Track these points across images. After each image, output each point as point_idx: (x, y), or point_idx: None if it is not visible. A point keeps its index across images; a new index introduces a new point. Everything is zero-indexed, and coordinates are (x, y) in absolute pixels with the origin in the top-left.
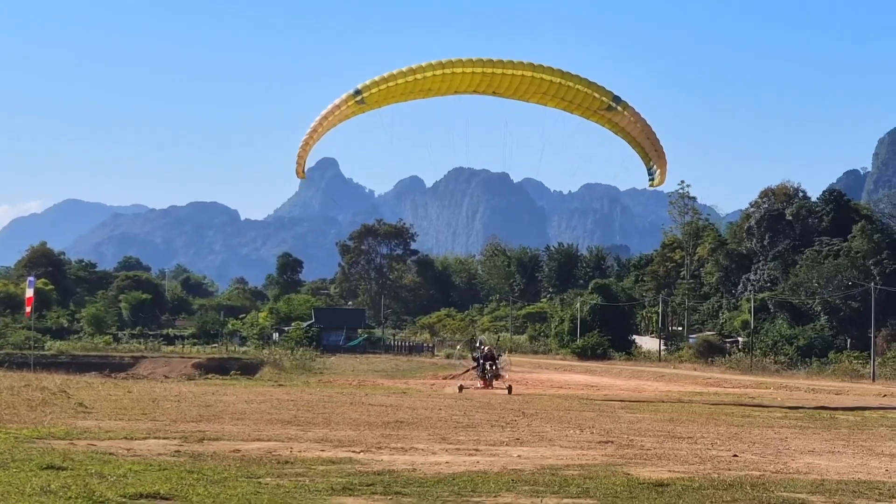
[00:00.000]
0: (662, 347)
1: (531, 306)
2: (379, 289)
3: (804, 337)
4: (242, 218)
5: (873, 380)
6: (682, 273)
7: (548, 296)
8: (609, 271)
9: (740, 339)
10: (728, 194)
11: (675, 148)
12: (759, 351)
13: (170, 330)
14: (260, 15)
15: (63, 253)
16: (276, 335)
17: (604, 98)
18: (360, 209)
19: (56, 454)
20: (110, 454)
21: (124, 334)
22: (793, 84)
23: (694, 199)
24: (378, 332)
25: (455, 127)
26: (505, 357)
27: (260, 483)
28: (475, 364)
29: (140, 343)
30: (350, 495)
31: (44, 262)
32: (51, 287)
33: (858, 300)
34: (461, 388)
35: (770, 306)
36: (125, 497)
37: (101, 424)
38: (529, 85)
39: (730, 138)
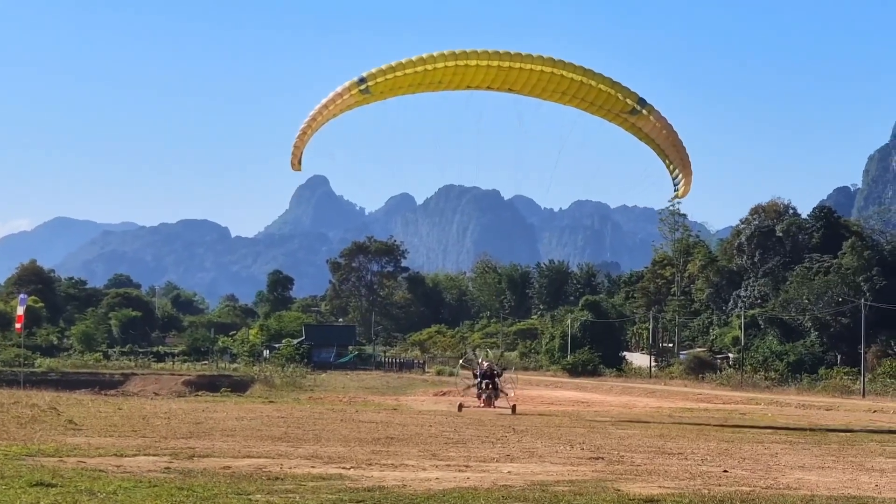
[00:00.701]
0: (653, 364)
1: (522, 323)
2: (369, 306)
3: (795, 353)
4: (233, 235)
5: (863, 396)
6: (672, 289)
7: (538, 312)
8: (600, 288)
9: (731, 355)
10: (718, 211)
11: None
12: (749, 367)
13: (160, 347)
14: (252, 32)
15: (53, 270)
16: (266, 352)
17: (628, 100)
18: (350, 226)
19: (46, 471)
20: (100, 471)
21: (114, 351)
22: (783, 101)
23: (684, 216)
24: (369, 348)
25: (447, 142)
26: (510, 374)
27: (250, 499)
28: (476, 381)
29: (130, 360)
30: None
31: (34, 279)
32: (41, 304)
33: (849, 316)
34: (461, 406)
35: (760, 322)
36: None
37: (90, 441)
38: (548, 82)
39: (720, 155)
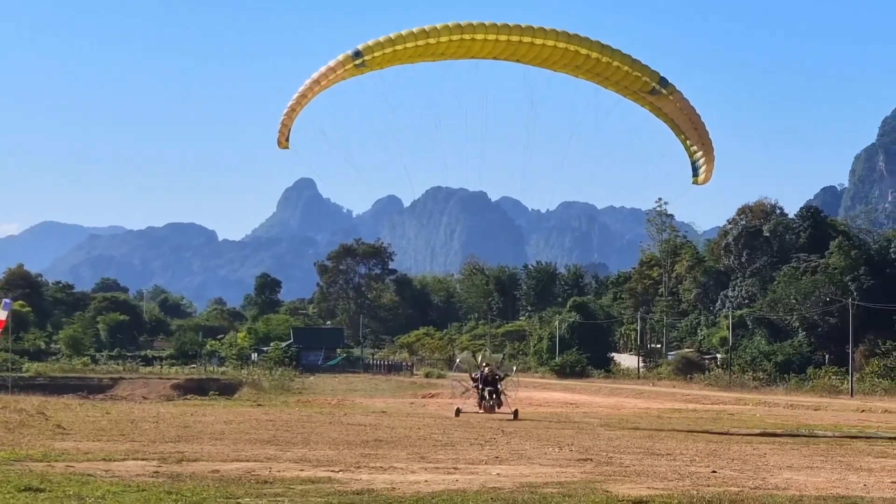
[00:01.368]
0: (641, 365)
1: (510, 324)
2: (357, 308)
3: (782, 353)
4: (220, 238)
5: (851, 395)
6: (660, 290)
7: (526, 314)
8: (587, 289)
9: (719, 355)
10: (705, 211)
11: (652, 165)
12: (737, 367)
13: (148, 351)
14: (239, 34)
15: (40, 275)
16: (254, 355)
17: (647, 79)
18: (338, 229)
19: (34, 476)
20: (88, 476)
21: (102, 356)
22: (770, 101)
23: (671, 216)
24: (357, 351)
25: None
26: (512, 377)
27: (239, 503)
28: (475, 385)
29: (118, 364)
30: None
31: (21, 284)
32: (28, 309)
33: (836, 316)
34: (458, 411)
35: (748, 323)
36: None
37: (79, 446)
38: (561, 57)
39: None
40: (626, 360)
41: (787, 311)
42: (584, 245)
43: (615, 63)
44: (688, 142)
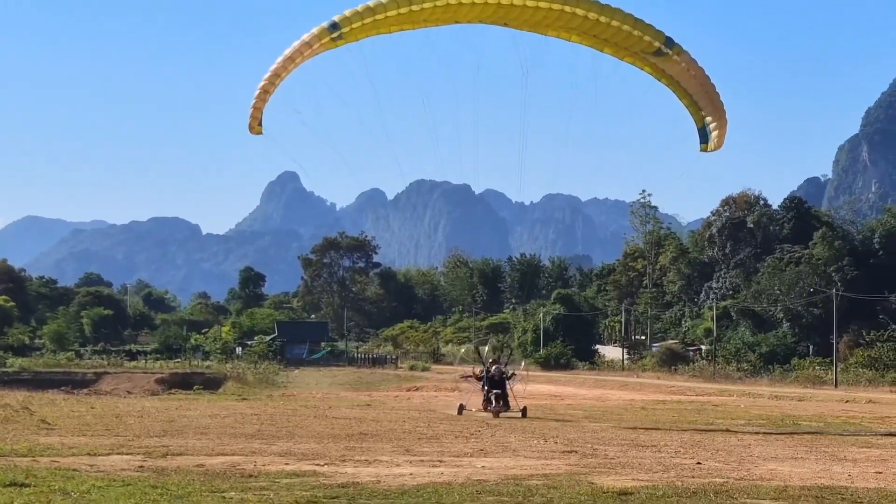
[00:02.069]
0: (626, 356)
1: (494, 317)
2: (342, 301)
3: (767, 344)
4: (204, 232)
5: (836, 386)
6: (644, 282)
7: (510, 306)
8: (571, 281)
9: (703, 347)
10: (689, 203)
11: (635, 157)
12: (721, 359)
13: (132, 345)
14: (219, 27)
15: (24, 270)
16: (239, 349)
17: (652, 40)
18: (321, 222)
19: (19, 471)
20: (73, 470)
21: (86, 350)
22: (753, 92)
23: (655, 208)
24: (341, 344)
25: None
26: (521, 372)
27: (224, 497)
28: (481, 385)
29: (102, 359)
30: None
31: (4, 279)
32: (12, 304)
33: (820, 307)
34: (461, 408)
35: (732, 314)
36: None
37: (64, 441)
38: (556, 18)
39: (690, 146)
40: (611, 352)
41: (771, 302)
42: (569, 237)
43: (615, 23)
44: (695, 107)
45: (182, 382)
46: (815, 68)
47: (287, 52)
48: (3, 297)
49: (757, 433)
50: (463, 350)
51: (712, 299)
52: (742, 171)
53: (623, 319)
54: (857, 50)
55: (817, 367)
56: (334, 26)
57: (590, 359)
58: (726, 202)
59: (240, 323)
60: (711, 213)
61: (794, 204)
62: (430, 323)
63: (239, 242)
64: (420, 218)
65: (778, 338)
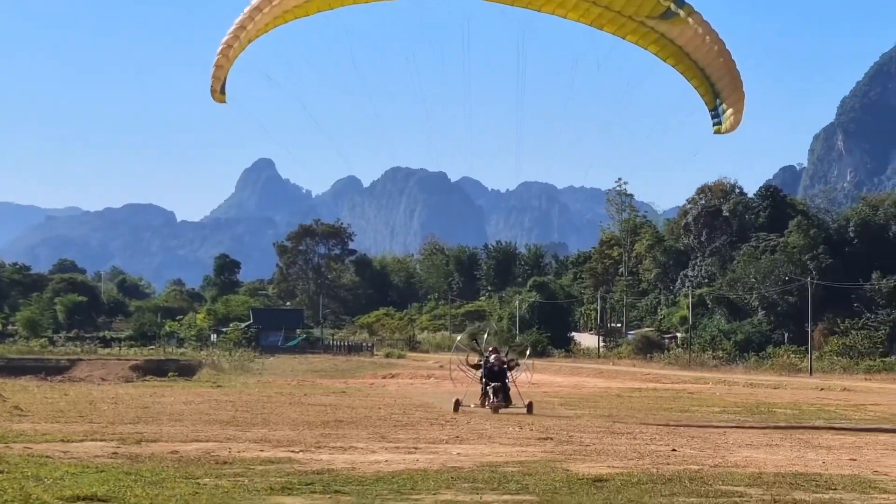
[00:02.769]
0: (601, 344)
1: (470, 305)
2: (317, 289)
3: (742, 332)
4: (179, 219)
5: (811, 374)
6: (620, 270)
7: (486, 294)
8: (547, 269)
9: (679, 334)
10: (665, 191)
11: (611, 144)
12: (697, 346)
13: (106, 332)
14: (199, 12)
15: None
16: (214, 336)
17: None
18: (297, 209)
19: None
20: (47, 457)
21: (60, 337)
22: None
23: (631, 196)
24: (317, 331)
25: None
26: (526, 361)
27: (198, 484)
28: (476, 373)
29: (76, 346)
30: (289, 495)
31: None
32: None
33: (795, 295)
34: (458, 404)
35: (708, 302)
36: (62, 500)
37: (37, 427)
38: None
39: (665, 134)
40: (587, 340)
41: (746, 290)
42: (544, 225)
43: None
44: (707, 81)
45: (156, 369)
46: (791, 57)
47: (253, 1)
48: None
49: (731, 425)
50: (459, 338)
51: (688, 287)
52: (718, 160)
53: (599, 307)
54: (832, 39)
55: (792, 355)
56: None
57: (566, 346)
58: (702, 190)
59: (215, 310)
60: (687, 201)
61: (770, 192)
62: (405, 310)
63: (214, 229)
64: (396, 205)
65: (753, 326)
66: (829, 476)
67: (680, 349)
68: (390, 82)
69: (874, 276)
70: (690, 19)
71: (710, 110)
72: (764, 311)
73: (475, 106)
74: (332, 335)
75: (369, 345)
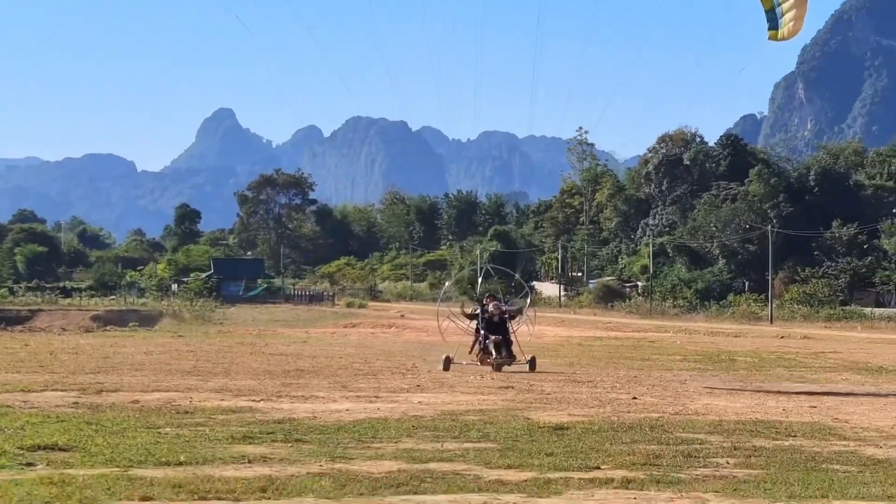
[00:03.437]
0: (563, 293)
1: (431, 254)
2: (278, 238)
3: (703, 280)
4: (139, 169)
5: (771, 322)
6: (581, 219)
7: (447, 243)
8: (508, 218)
9: (640, 283)
10: (626, 140)
11: (572, 94)
12: (658, 295)
13: (67, 282)
14: None
15: None
16: (174, 286)
17: None
18: (257, 159)
19: None
20: (7, 407)
21: (20, 287)
22: (689, 29)
23: (592, 145)
24: (277, 281)
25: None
26: (527, 312)
27: (159, 433)
28: (474, 324)
29: (37, 296)
30: (250, 444)
31: None
32: None
33: (756, 243)
34: (448, 362)
35: (669, 251)
36: (23, 449)
37: None
38: None
39: (627, 84)
40: (548, 289)
41: (707, 238)
42: (505, 174)
43: None
44: None
45: (117, 319)
46: (753, 4)
47: None
48: None
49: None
50: (447, 284)
51: (649, 236)
52: (679, 109)
53: (560, 256)
54: None
55: (753, 304)
56: None
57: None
58: (663, 139)
59: (175, 260)
60: (648, 150)
61: (731, 141)
62: (366, 260)
63: (174, 179)
64: (357, 155)
65: (714, 274)
66: (790, 423)
67: (641, 298)
68: (351, 28)
69: (834, 224)
70: None
71: (766, 11)
72: (725, 260)
73: (437, 54)
74: (294, 285)
75: (330, 294)
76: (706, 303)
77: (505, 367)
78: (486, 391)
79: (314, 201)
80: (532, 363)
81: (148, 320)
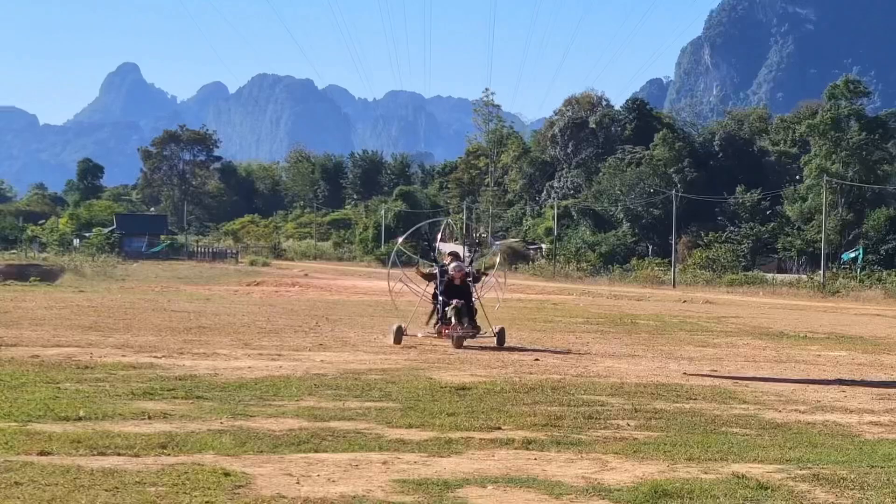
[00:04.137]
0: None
1: (336, 213)
2: (182, 195)
3: (607, 244)
4: (41, 123)
5: (674, 286)
6: (486, 180)
7: (352, 202)
8: (413, 178)
9: (544, 245)
10: (532, 103)
11: (479, 56)
12: (562, 257)
13: None
14: None
15: None
16: (76, 241)
17: None
18: (161, 115)
19: None
20: None
21: None
22: None
23: (498, 107)
24: (181, 238)
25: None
26: (497, 277)
27: (59, 388)
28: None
29: None
30: (151, 399)
31: None
32: None
33: (660, 208)
34: (400, 332)
35: (573, 213)
36: None
37: None
38: None
39: (533, 46)
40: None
41: (611, 202)
42: (411, 134)
43: None
44: None
45: (17, 274)
46: None
47: None
48: None
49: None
50: (400, 240)
51: (553, 198)
52: (585, 72)
53: (464, 217)
54: None
55: (656, 268)
56: None
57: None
58: (569, 102)
59: (77, 215)
60: (554, 112)
61: (636, 105)
62: (271, 218)
63: (77, 133)
64: (262, 112)
65: (618, 238)
66: (690, 386)
67: (545, 260)
68: None
69: (738, 189)
70: None
71: None
72: (629, 224)
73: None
74: (197, 242)
75: (234, 252)
76: (610, 266)
77: (468, 341)
78: (389, 351)
79: (219, 158)
80: (501, 336)
81: (49, 275)
